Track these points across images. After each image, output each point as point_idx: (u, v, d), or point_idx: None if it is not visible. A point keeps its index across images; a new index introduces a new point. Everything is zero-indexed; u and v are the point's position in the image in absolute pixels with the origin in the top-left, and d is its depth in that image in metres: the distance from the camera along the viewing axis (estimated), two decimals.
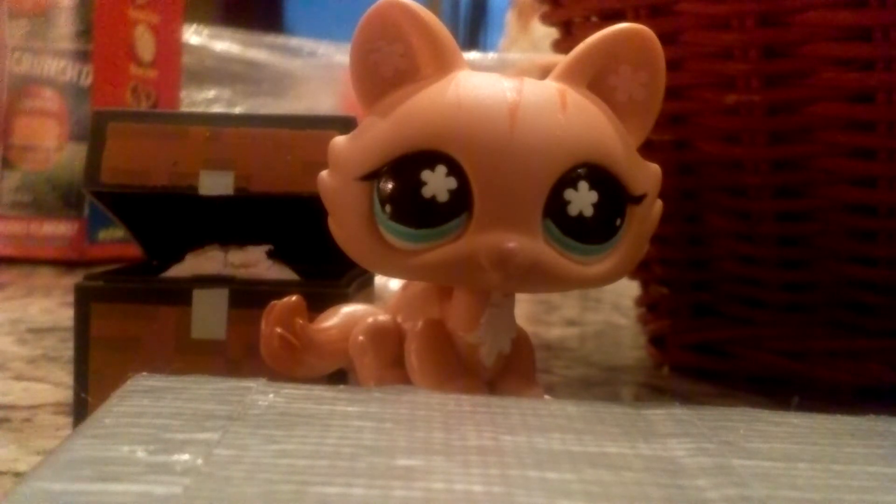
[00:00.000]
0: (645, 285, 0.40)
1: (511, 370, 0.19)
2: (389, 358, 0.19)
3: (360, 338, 0.20)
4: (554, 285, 0.18)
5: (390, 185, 0.17)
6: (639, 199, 0.18)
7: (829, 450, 0.15)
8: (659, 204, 0.19)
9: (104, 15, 0.72)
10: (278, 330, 0.19)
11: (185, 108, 0.88)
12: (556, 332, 0.49)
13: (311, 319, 0.21)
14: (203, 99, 1.03)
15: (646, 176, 0.19)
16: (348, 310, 0.21)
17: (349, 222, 0.18)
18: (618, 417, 0.16)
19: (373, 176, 0.17)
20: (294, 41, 1.15)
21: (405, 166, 0.17)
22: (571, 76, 0.18)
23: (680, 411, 0.17)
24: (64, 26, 0.71)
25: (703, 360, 0.37)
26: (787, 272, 0.34)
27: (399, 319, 0.20)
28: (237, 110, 1.02)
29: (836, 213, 0.32)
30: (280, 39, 1.15)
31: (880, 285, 0.32)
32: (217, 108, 1.03)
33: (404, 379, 0.19)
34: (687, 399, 0.34)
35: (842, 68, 0.30)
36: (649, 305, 0.40)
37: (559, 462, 0.14)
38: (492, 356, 0.19)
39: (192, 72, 0.96)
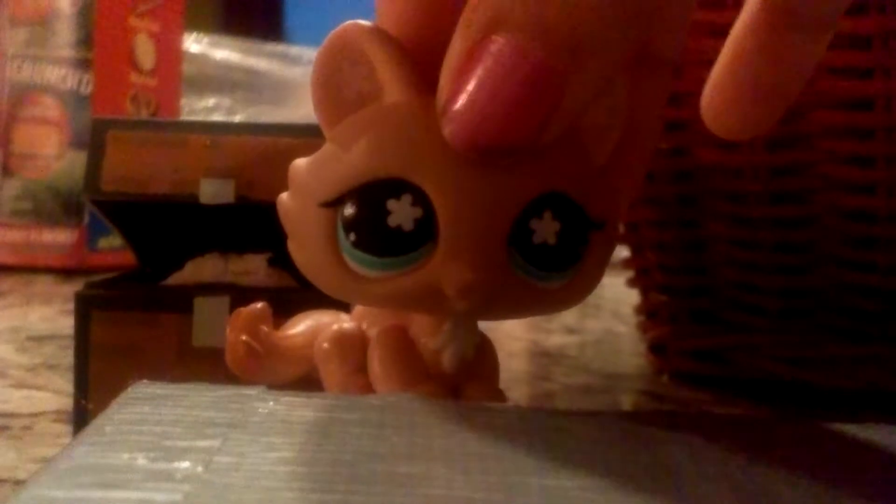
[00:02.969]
0: (644, 292, 0.40)
1: (475, 376, 0.19)
2: (355, 365, 0.19)
3: (325, 345, 0.20)
4: (518, 313, 0.18)
5: (354, 213, 0.16)
6: (601, 226, 0.18)
7: (830, 456, 0.15)
8: (619, 228, 0.19)
9: (105, 23, 0.72)
10: (243, 337, 0.19)
11: (185, 117, 0.88)
12: (555, 340, 0.49)
13: (278, 326, 0.21)
14: (203, 107, 1.03)
15: (608, 202, 0.18)
16: (314, 317, 0.21)
17: (310, 247, 0.17)
18: (618, 424, 0.16)
19: (336, 202, 0.17)
20: (294, 49, 1.15)
21: (370, 194, 0.16)
22: None
23: (680, 418, 0.17)
24: (64, 34, 0.71)
25: (703, 367, 0.37)
26: (787, 278, 0.34)
27: (364, 326, 0.20)
28: (237, 118, 1.02)
29: (834, 219, 0.32)
30: (280, 47, 1.15)
31: (879, 292, 0.32)
32: (217, 117, 1.03)
33: (370, 386, 0.19)
34: (687, 406, 0.34)
35: (840, 76, 0.30)
36: (649, 313, 0.40)
37: (559, 469, 0.14)
38: (454, 362, 0.19)
39: (193, 80, 0.96)
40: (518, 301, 0.17)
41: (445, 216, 0.16)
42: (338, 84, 0.18)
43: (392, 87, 0.17)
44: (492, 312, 0.18)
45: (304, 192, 0.18)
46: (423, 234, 0.16)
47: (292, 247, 0.18)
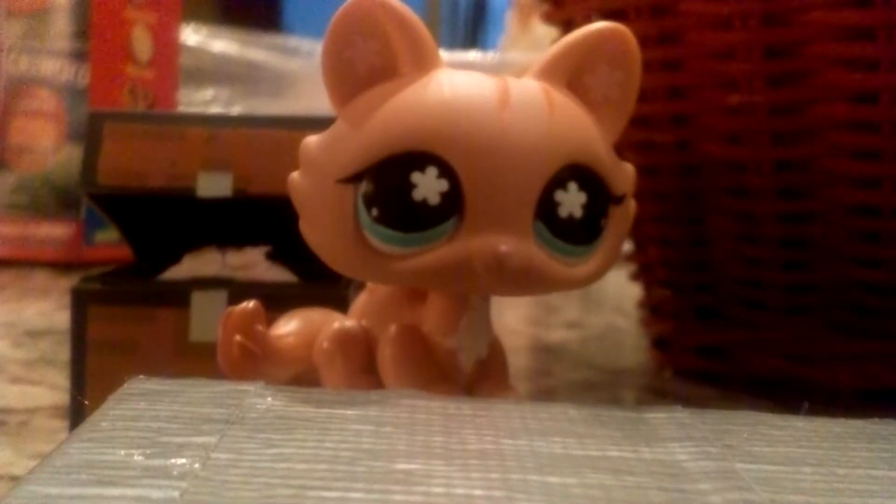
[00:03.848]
0: (647, 288, 0.40)
1: (487, 375, 0.19)
2: (359, 364, 0.19)
3: (325, 344, 0.19)
4: (544, 288, 0.18)
5: (377, 188, 0.16)
6: (619, 199, 0.18)
7: (832, 453, 0.15)
8: (633, 203, 0.19)
9: (101, 14, 0.72)
10: (237, 338, 0.19)
11: (182, 109, 0.88)
12: (557, 335, 0.49)
13: (272, 322, 0.20)
14: (201, 99, 1.03)
15: (624, 176, 0.18)
16: (304, 316, 0.21)
17: (327, 226, 0.17)
18: (620, 421, 0.16)
19: (356, 178, 0.17)
20: (293, 41, 1.15)
21: (393, 168, 0.16)
22: (551, 75, 0.18)
23: (682, 415, 0.17)
24: (61, 26, 0.71)
25: (706, 363, 0.37)
26: (791, 274, 0.34)
27: (364, 324, 0.19)
28: (235, 111, 1.02)
29: (839, 214, 0.31)
30: (279, 39, 1.15)
31: (884, 287, 0.32)
32: (215, 109, 1.03)
33: (375, 385, 0.18)
34: (689, 402, 0.34)
35: (846, 69, 0.30)
36: (652, 308, 0.40)
37: (561, 466, 0.13)
38: (470, 361, 0.18)
39: (190, 72, 0.96)
40: (544, 276, 0.17)
41: (472, 188, 0.16)
42: (350, 59, 0.17)
43: (408, 60, 0.17)
44: (518, 288, 0.18)
45: (318, 169, 0.17)
46: (449, 207, 0.16)
47: (305, 227, 0.18)
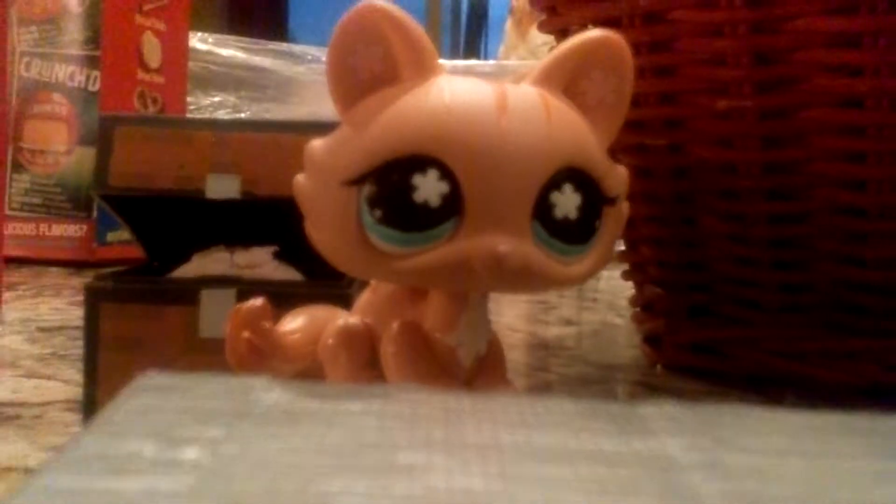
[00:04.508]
0: (639, 286, 0.41)
1: (486, 370, 0.19)
2: (362, 360, 0.19)
3: (330, 341, 0.20)
4: (541, 286, 0.18)
5: (380, 190, 0.17)
6: (613, 201, 0.19)
7: (818, 445, 0.16)
8: (626, 205, 0.19)
9: (112, 22, 0.72)
10: (245, 334, 0.19)
11: (191, 113, 0.88)
12: (553, 331, 0.50)
13: (279, 319, 0.20)
14: (209, 104, 1.04)
15: (618, 178, 0.19)
16: (309, 313, 0.21)
17: (331, 227, 0.18)
18: (613, 414, 0.16)
19: (359, 180, 0.17)
20: (298, 48, 1.15)
21: (395, 171, 0.17)
22: (547, 81, 0.18)
23: (674, 409, 0.17)
24: (73, 33, 0.72)
25: (697, 359, 0.37)
26: (781, 273, 0.34)
27: (367, 321, 0.20)
28: (242, 115, 1.02)
29: (827, 215, 0.32)
30: (284, 46, 1.16)
31: (872, 286, 0.32)
32: (222, 114, 1.03)
33: (378, 380, 0.19)
34: (680, 397, 0.34)
35: (832, 74, 0.30)
36: (643, 306, 0.40)
37: (557, 458, 0.14)
38: (470, 357, 0.19)
39: (198, 77, 0.96)
40: (542, 275, 0.17)
41: (472, 190, 0.17)
42: (353, 65, 0.18)
43: (409, 66, 0.18)
44: (516, 286, 0.18)
45: (323, 172, 0.18)
46: (449, 208, 0.17)
47: (310, 228, 0.18)
